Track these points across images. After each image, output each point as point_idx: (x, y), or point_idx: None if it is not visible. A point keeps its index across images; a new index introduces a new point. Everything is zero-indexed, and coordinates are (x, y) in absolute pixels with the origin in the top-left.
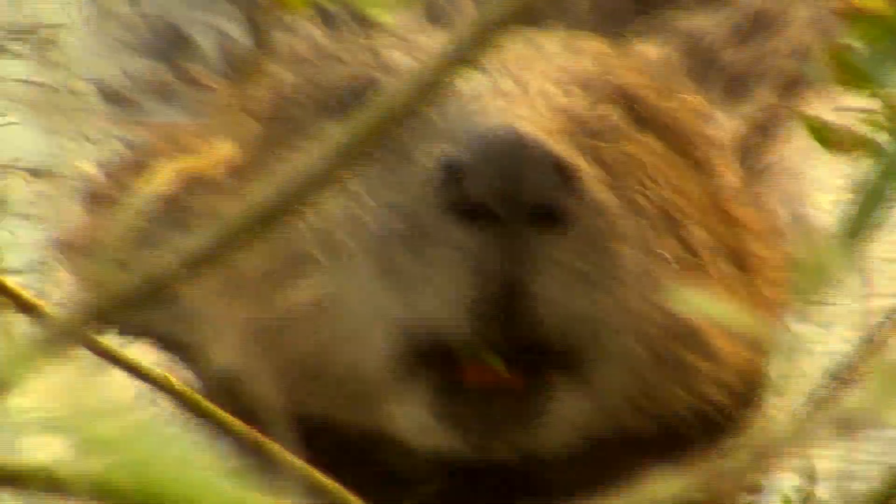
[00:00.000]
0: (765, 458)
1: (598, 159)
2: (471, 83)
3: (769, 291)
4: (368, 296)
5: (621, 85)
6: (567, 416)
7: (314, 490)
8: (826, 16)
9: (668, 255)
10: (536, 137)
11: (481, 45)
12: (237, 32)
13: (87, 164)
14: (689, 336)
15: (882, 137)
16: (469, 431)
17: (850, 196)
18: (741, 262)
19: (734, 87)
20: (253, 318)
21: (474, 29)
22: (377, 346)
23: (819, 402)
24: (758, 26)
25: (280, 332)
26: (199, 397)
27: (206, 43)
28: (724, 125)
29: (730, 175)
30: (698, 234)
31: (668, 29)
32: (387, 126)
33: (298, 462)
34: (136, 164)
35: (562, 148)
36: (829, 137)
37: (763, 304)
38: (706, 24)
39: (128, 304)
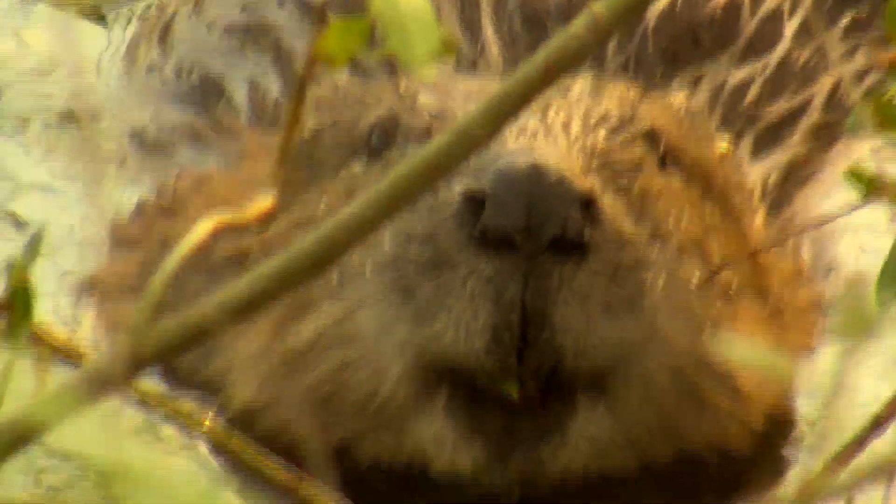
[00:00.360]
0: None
1: (620, 193)
2: (516, 134)
3: (796, 335)
4: (388, 323)
5: (647, 126)
6: (585, 436)
7: None
8: (862, 65)
9: (693, 286)
10: (557, 168)
11: (523, 97)
12: (270, 82)
13: (118, 207)
14: (713, 370)
15: None
16: (489, 445)
17: (891, 251)
18: (767, 303)
19: (767, 135)
20: (275, 349)
21: (518, 82)
22: (397, 373)
23: (858, 447)
24: (792, 75)
25: (301, 361)
26: (240, 443)
27: (238, 92)
28: (753, 172)
29: (756, 221)
30: (724, 273)
31: (698, 79)
32: (428, 175)
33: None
34: (167, 209)
35: (585, 182)
36: (871, 186)
37: (790, 347)
38: (739, 74)
39: (168, 350)
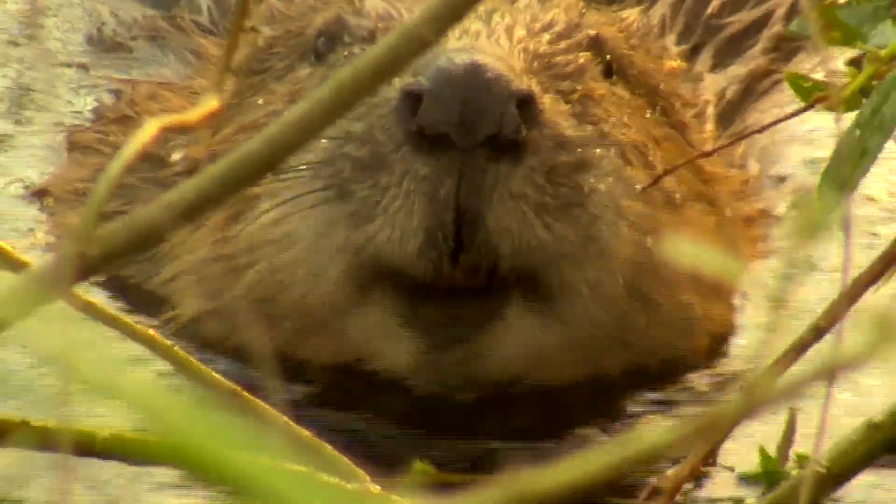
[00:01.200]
0: (754, 406)
1: (562, 96)
2: (461, 36)
3: (743, 245)
4: (324, 223)
5: (593, 34)
6: (521, 336)
7: (298, 444)
8: None
9: (637, 191)
10: (496, 68)
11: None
12: None
13: (72, 111)
14: (659, 275)
15: (866, 93)
16: (426, 339)
17: (835, 150)
18: (713, 213)
19: (728, 47)
20: (216, 255)
21: None
22: (334, 273)
23: (799, 353)
24: None
25: (241, 265)
26: (182, 353)
27: None
28: (711, 84)
29: (706, 134)
30: (669, 180)
31: None
32: (373, 76)
33: (282, 417)
34: (123, 117)
35: (523, 81)
36: (813, 92)
37: (736, 256)
38: None
39: (115, 254)
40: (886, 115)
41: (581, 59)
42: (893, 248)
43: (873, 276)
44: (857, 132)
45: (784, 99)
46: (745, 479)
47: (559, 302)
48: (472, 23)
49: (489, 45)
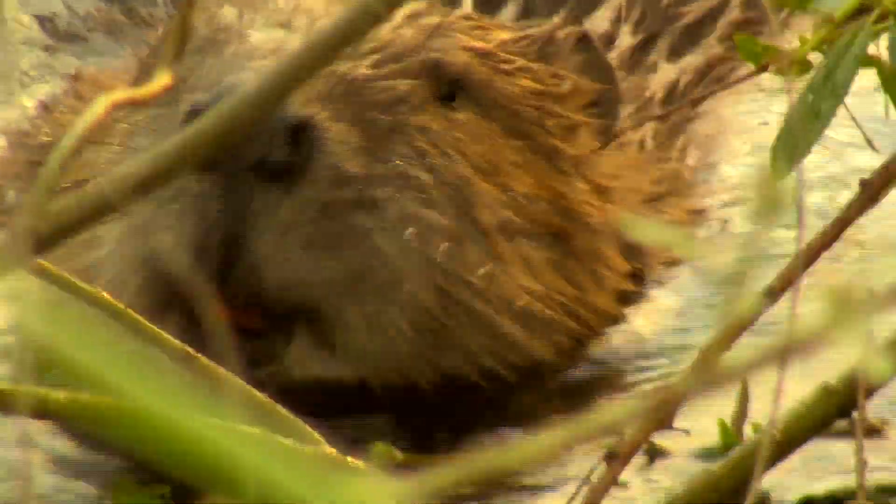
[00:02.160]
0: (709, 383)
1: (365, 125)
2: (253, 37)
3: (587, 286)
4: (121, 235)
5: (433, 60)
6: (311, 366)
7: (252, 406)
8: None
9: (434, 229)
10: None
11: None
12: None
13: (23, 98)
14: (462, 309)
15: (817, 57)
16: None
17: (786, 115)
18: (555, 249)
19: (684, 36)
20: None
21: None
22: (133, 285)
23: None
24: None
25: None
26: (133, 313)
27: None
28: (664, 75)
29: (577, 151)
30: (490, 213)
31: None
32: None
33: (236, 379)
34: (70, 107)
35: (307, 108)
36: (764, 56)
37: (580, 283)
38: None
39: (67, 228)
40: (839, 79)
41: (402, 87)
42: (846, 214)
43: (826, 240)
44: (810, 96)
45: (741, 88)
46: (704, 454)
47: (338, 337)
48: (279, 46)
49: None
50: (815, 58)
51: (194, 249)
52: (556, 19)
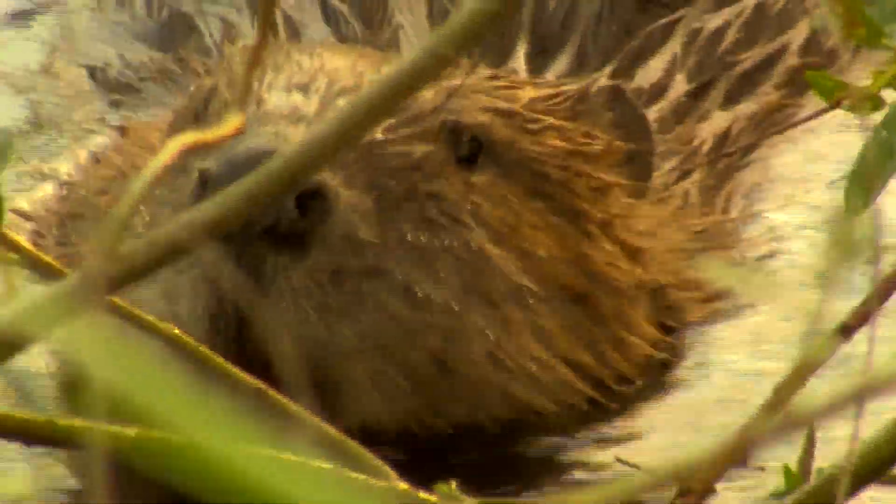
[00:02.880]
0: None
1: (375, 192)
2: (269, 101)
3: (608, 351)
4: (149, 298)
5: (453, 122)
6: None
7: (324, 443)
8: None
9: (437, 299)
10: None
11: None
12: (242, 20)
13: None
14: (458, 375)
15: (888, 94)
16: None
17: (861, 152)
18: (579, 304)
19: (741, 83)
20: None
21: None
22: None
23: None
24: (769, 20)
25: None
26: (208, 352)
27: (209, 30)
28: (718, 121)
29: (606, 212)
30: (501, 280)
31: (674, 24)
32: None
33: (308, 414)
34: (116, 160)
35: (317, 173)
36: (836, 92)
37: (600, 349)
38: (715, 19)
39: (136, 273)
40: None
41: (418, 152)
42: None
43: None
44: (884, 133)
45: (796, 134)
46: (770, 498)
47: (342, 397)
48: (290, 100)
49: (294, 132)
50: (888, 94)
51: (210, 317)
52: (605, 72)
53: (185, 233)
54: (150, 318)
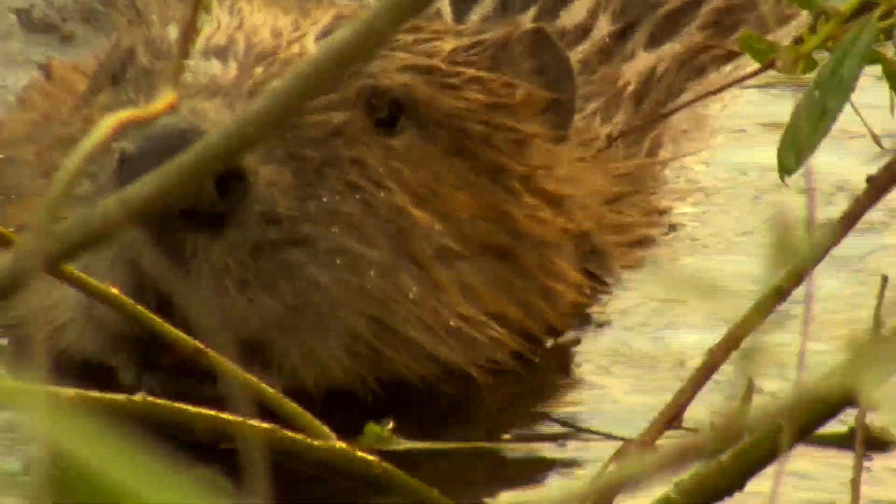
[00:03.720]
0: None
1: (294, 164)
2: (193, 76)
3: (539, 304)
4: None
5: (371, 86)
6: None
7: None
8: None
9: (364, 261)
10: (199, 134)
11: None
12: None
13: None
14: (391, 334)
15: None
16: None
17: (793, 112)
18: (503, 259)
19: (666, 24)
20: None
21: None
22: (87, 334)
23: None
24: None
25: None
26: (149, 314)
27: None
28: (641, 62)
29: (526, 165)
30: (425, 241)
31: None
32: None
33: (246, 375)
34: (40, 102)
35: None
36: (769, 53)
37: (528, 301)
38: None
39: (71, 252)
40: (846, 75)
41: (336, 119)
42: (854, 209)
43: (836, 239)
44: (817, 93)
45: (719, 79)
46: None
47: (276, 369)
48: (209, 72)
49: (213, 106)
50: (819, 55)
51: (131, 297)
52: (529, 14)
53: (120, 213)
54: (95, 282)
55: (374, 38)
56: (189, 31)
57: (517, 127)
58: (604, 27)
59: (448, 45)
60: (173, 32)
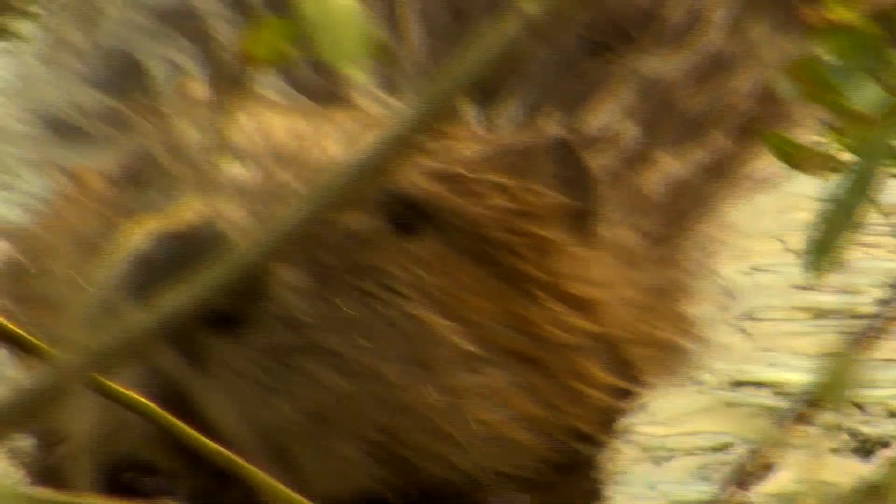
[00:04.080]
0: None
1: (313, 268)
2: (215, 179)
3: (565, 409)
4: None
5: (396, 191)
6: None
7: None
8: (789, 55)
9: (380, 373)
10: (219, 238)
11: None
12: (192, 67)
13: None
14: (411, 443)
15: (848, 155)
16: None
17: (818, 215)
18: (527, 364)
19: (689, 129)
20: None
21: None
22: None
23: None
24: (717, 67)
25: None
26: (182, 425)
27: (160, 76)
28: (669, 169)
29: (550, 272)
30: (444, 349)
31: (625, 72)
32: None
33: (275, 482)
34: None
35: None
36: (794, 155)
37: (554, 405)
38: (664, 65)
39: (111, 363)
40: (872, 178)
41: (355, 225)
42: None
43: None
44: (842, 196)
45: (746, 183)
46: None
47: (289, 473)
48: (233, 183)
49: (233, 211)
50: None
51: (155, 398)
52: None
53: (153, 326)
54: (131, 394)
55: (402, 148)
56: (213, 136)
57: (540, 233)
58: (628, 132)
59: (470, 150)
60: (195, 135)
